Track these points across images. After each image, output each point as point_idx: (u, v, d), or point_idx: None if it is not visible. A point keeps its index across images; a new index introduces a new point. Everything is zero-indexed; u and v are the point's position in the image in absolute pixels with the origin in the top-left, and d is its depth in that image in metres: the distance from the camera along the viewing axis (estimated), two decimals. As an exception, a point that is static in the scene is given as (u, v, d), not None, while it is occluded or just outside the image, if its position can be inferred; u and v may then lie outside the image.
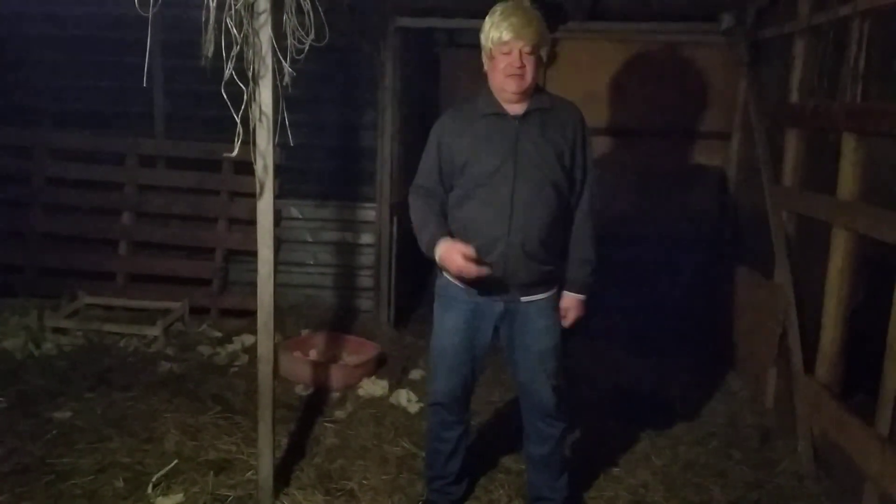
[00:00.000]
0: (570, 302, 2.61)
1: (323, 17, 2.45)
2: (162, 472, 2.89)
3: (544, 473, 2.77)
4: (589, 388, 3.99)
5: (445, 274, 2.56)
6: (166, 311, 4.67)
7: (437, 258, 2.39)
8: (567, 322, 2.61)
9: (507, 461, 3.19)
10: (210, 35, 2.20)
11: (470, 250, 2.29)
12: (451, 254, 2.32)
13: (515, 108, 2.42)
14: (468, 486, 2.94)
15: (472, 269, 2.29)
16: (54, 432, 3.22)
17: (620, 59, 4.82)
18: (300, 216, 5.01)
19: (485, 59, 2.43)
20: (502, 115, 2.42)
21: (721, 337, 4.56)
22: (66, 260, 5.01)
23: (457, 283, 2.52)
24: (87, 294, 4.80)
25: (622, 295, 4.94)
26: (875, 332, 2.66)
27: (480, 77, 2.50)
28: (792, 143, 3.60)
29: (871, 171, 2.94)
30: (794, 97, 3.61)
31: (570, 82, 4.79)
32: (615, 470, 3.20)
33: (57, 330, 4.36)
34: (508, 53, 2.32)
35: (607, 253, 4.84)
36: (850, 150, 2.93)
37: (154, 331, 4.35)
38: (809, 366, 3.27)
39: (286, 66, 2.37)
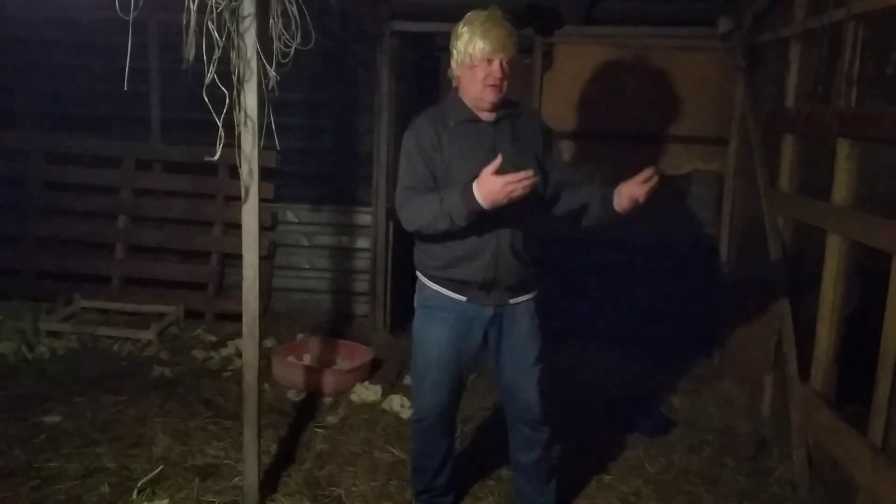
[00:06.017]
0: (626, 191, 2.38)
1: (309, 21, 2.44)
2: (147, 478, 2.88)
3: (532, 480, 2.75)
4: (582, 394, 3.96)
5: (430, 284, 2.53)
6: (161, 315, 4.66)
7: (483, 200, 2.16)
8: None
9: (499, 469, 3.16)
10: (191, 39, 2.19)
11: (496, 166, 2.13)
12: (490, 183, 2.13)
13: (487, 115, 2.43)
14: (457, 496, 2.92)
15: (517, 182, 2.11)
16: (42, 436, 3.21)
17: (617, 63, 4.79)
18: (296, 220, 5.01)
19: (459, 68, 2.40)
20: (476, 121, 2.43)
21: (717, 343, 4.53)
22: (62, 263, 5.02)
23: (446, 292, 2.49)
24: (83, 297, 4.80)
25: (617, 300, 4.91)
26: (869, 339, 2.63)
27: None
28: (788, 149, 3.57)
29: (868, 176, 2.91)
30: (790, 102, 3.58)
31: (566, 87, 4.77)
32: (607, 478, 3.17)
33: (51, 333, 4.36)
34: (490, 63, 2.33)
35: (604, 257, 4.89)
36: (844, 156, 2.90)
37: (148, 335, 4.34)
38: (804, 373, 3.23)
39: (271, 70, 2.35)
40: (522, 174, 2.13)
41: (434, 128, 2.43)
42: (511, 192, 2.13)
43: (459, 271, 2.44)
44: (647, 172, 2.36)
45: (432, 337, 2.52)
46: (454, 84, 2.47)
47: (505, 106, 2.45)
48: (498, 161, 2.14)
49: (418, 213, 2.34)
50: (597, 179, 2.53)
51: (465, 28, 2.36)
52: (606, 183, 2.48)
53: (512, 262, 2.43)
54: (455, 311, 2.50)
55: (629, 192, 2.37)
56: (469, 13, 2.39)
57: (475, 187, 2.17)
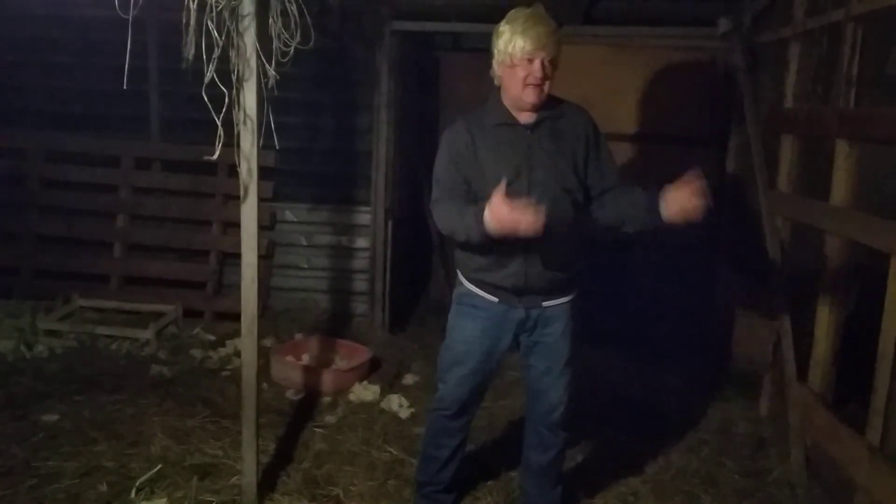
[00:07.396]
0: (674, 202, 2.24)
1: (309, 20, 2.44)
2: (146, 477, 2.87)
3: (541, 483, 2.75)
4: (581, 394, 3.93)
5: (465, 282, 2.52)
6: (160, 314, 4.66)
7: (490, 227, 2.11)
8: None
9: (498, 468, 3.16)
10: (191, 37, 2.19)
11: (502, 191, 2.06)
12: (499, 210, 2.06)
13: (526, 117, 2.37)
14: (458, 496, 2.92)
15: (522, 215, 2.03)
16: (41, 435, 3.21)
17: (616, 63, 4.79)
18: (295, 219, 5.01)
19: (500, 68, 2.34)
20: (513, 124, 2.37)
21: (716, 344, 4.53)
22: (60, 262, 5.01)
23: (479, 291, 2.48)
24: (82, 296, 4.79)
25: (617, 300, 4.91)
26: (867, 340, 2.63)
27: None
28: (787, 149, 3.57)
29: (867, 176, 2.91)
30: (790, 102, 3.58)
31: (565, 87, 4.71)
32: (605, 477, 3.16)
33: (49, 332, 4.35)
34: (531, 62, 2.26)
35: (603, 258, 4.89)
36: (842, 157, 2.90)
37: (146, 334, 4.33)
38: (803, 373, 3.24)
39: (270, 69, 2.35)
40: (525, 203, 2.03)
41: (470, 129, 2.38)
42: (517, 223, 2.04)
43: (491, 276, 2.43)
44: (693, 174, 2.20)
45: (463, 333, 2.52)
46: (496, 83, 2.40)
47: (547, 107, 2.37)
48: (503, 186, 2.08)
49: (445, 219, 2.34)
50: (640, 187, 2.40)
51: (506, 26, 2.29)
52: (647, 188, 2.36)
53: (543, 272, 2.39)
54: (487, 311, 2.48)
55: (680, 204, 2.21)
56: (512, 11, 2.31)
57: (485, 214, 2.11)
